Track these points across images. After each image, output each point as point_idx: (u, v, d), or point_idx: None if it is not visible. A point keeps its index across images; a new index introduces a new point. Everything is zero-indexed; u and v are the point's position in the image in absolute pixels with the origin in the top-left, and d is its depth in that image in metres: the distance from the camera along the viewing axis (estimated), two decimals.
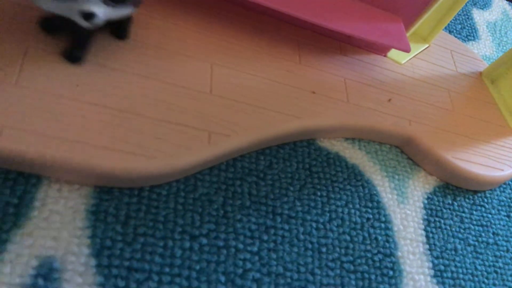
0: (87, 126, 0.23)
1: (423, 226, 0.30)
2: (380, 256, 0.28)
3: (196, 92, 0.28)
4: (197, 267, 0.23)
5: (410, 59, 0.37)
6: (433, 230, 0.30)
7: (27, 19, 0.26)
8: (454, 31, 0.46)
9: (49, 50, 0.25)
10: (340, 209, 0.29)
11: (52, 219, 0.22)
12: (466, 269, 0.30)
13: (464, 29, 0.47)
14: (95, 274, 0.21)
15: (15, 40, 0.25)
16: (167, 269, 0.22)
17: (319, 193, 0.29)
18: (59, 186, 0.23)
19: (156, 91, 0.26)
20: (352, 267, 0.27)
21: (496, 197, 0.35)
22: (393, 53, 0.37)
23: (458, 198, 0.33)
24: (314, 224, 0.27)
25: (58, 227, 0.22)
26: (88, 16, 0.22)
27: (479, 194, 0.34)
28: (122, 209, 0.23)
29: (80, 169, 0.23)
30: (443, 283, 0.28)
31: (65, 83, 0.24)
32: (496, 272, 0.30)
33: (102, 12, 0.23)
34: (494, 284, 0.30)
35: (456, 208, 0.32)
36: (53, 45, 0.25)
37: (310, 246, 0.26)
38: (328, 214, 0.28)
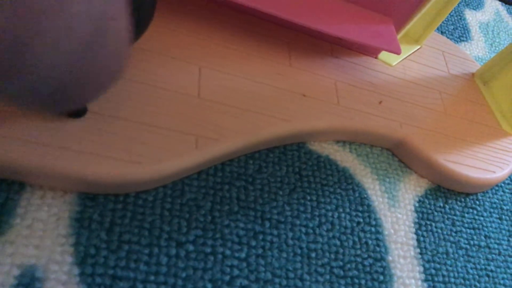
0: (71, 132, 0.23)
1: (414, 230, 0.30)
2: (371, 260, 0.27)
3: (183, 95, 0.27)
4: (183, 275, 0.23)
5: (401, 60, 0.37)
6: (424, 233, 0.30)
7: None
8: (447, 32, 0.46)
9: None
10: (330, 213, 0.28)
11: (35, 227, 0.21)
12: (458, 272, 0.29)
13: (456, 30, 0.47)
14: (79, 283, 0.21)
15: None
16: (152, 277, 0.22)
17: (309, 197, 0.28)
18: (42, 192, 0.22)
19: (142, 94, 0.26)
20: (342, 272, 0.26)
21: (488, 200, 0.34)
22: (384, 55, 0.36)
23: (449, 201, 0.33)
24: (303, 229, 0.27)
25: (41, 235, 0.21)
26: None
27: (471, 197, 0.34)
28: (107, 215, 0.23)
29: (64, 176, 0.22)
30: (434, 287, 0.28)
31: None
32: (488, 275, 0.30)
33: None
34: None
35: (448, 211, 0.32)
36: None
37: (299, 251, 0.26)
38: (317, 219, 0.28)
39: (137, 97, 0.26)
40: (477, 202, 0.34)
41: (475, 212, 0.33)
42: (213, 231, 0.25)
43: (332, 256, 0.27)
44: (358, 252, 0.27)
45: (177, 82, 0.28)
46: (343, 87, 0.33)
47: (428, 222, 0.31)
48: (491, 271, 0.31)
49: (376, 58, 0.36)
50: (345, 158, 0.31)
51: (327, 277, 0.26)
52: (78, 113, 0.24)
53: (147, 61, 0.27)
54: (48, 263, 0.21)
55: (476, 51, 0.46)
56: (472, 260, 0.30)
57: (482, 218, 0.33)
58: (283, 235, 0.26)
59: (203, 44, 0.30)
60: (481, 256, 0.31)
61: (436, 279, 0.28)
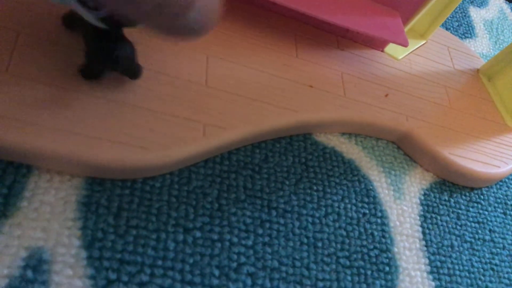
0: (80, 116, 0.23)
1: (419, 222, 0.30)
2: (376, 251, 0.27)
3: (191, 83, 0.27)
4: (191, 261, 0.22)
5: (407, 54, 0.37)
6: (430, 226, 0.30)
7: (19, 4, 0.25)
8: (451, 28, 0.46)
9: (41, 37, 0.25)
10: (336, 204, 0.28)
11: (42, 210, 0.21)
12: (463, 265, 0.29)
13: (461, 27, 0.47)
14: (86, 266, 0.21)
15: (5, 25, 0.24)
16: (159, 262, 0.22)
17: (315, 188, 0.28)
18: (49, 176, 0.22)
19: (150, 81, 0.26)
20: (348, 262, 0.26)
21: (492, 194, 0.34)
22: (390, 48, 0.36)
23: (454, 195, 0.33)
24: (310, 219, 0.27)
25: (48, 218, 0.21)
26: None
27: (476, 191, 0.34)
28: (114, 200, 0.23)
29: (72, 160, 0.22)
30: (439, 280, 0.28)
31: (58, 72, 0.24)
32: (492, 269, 0.30)
33: None
34: (491, 281, 0.29)
35: (453, 204, 0.32)
36: (45, 32, 0.25)
37: (305, 240, 0.26)
38: (324, 209, 0.28)
39: (145, 84, 0.26)
40: (482, 197, 0.34)
41: (479, 206, 0.33)
42: (220, 219, 0.24)
43: (338, 246, 0.26)
44: (364, 243, 0.27)
45: (185, 70, 0.27)
46: (350, 79, 0.33)
47: (434, 215, 0.31)
48: (496, 265, 0.31)
49: (382, 51, 0.36)
50: (350, 150, 0.31)
51: (333, 266, 0.26)
52: (135, 73, 0.25)
53: (155, 49, 0.27)
54: (55, 246, 0.21)
55: (481, 47, 0.46)
56: (477, 253, 0.30)
57: (486, 213, 0.33)
58: (289, 224, 0.26)
59: (211, 34, 0.30)
60: (486, 250, 0.31)
61: (441, 271, 0.28)
